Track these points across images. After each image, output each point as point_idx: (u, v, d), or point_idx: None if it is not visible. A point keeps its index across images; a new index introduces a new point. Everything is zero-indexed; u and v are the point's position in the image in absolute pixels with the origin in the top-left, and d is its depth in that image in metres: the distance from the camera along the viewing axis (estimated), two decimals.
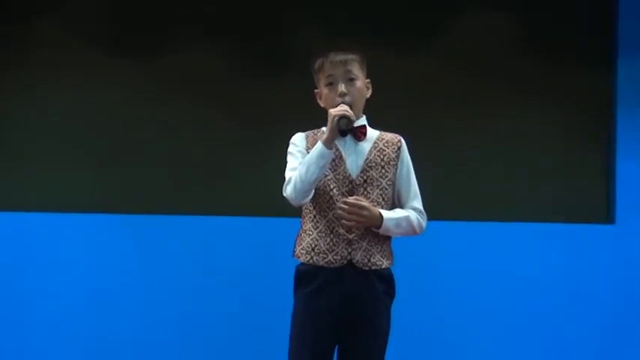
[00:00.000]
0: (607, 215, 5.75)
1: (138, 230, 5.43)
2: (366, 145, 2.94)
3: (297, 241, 2.96)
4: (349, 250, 2.86)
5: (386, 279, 2.92)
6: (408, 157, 3.01)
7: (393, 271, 2.96)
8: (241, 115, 5.50)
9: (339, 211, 2.80)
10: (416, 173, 3.08)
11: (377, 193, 2.91)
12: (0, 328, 5.32)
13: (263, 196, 4.92)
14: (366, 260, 2.87)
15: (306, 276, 2.88)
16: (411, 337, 4.83)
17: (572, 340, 5.61)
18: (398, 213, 2.93)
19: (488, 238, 5.63)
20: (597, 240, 5.64)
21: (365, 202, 2.81)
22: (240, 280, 5.37)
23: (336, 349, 2.92)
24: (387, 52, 5.56)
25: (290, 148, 2.97)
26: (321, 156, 2.77)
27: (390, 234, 2.92)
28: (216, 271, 5.40)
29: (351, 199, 2.79)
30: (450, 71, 5.76)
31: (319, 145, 2.79)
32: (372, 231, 2.86)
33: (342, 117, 2.80)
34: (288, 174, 2.89)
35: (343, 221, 2.80)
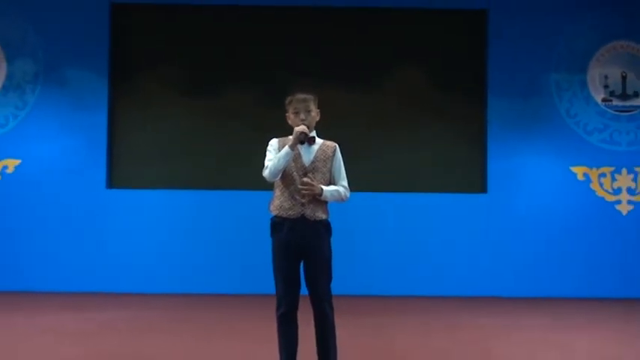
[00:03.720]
0: (482, 187, 7.98)
1: (205, 200, 8.08)
2: (315, 148, 4.08)
3: (271, 202, 4.10)
4: (302, 209, 3.99)
5: (325, 224, 4.05)
6: (340, 156, 4.14)
7: (330, 221, 4.10)
8: (258, 128, 7.88)
9: (299, 187, 3.96)
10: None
11: (320, 176, 4.04)
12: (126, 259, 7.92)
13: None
14: (312, 214, 3.99)
15: (278, 225, 4.02)
16: (343, 260, 6.01)
17: (454, 284, 7.72)
18: (332, 187, 4.06)
19: (404, 204, 7.85)
20: (474, 204, 7.87)
21: (314, 182, 3.97)
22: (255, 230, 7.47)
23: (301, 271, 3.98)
24: (347, 91, 7.94)
25: (268, 147, 4.11)
26: (287, 154, 3.95)
27: (327, 200, 4.05)
28: (245, 225, 7.81)
29: (305, 179, 3.96)
30: (385, 102, 8.13)
31: (287, 147, 3.96)
32: (316, 198, 4.01)
33: (302, 133, 3.93)
34: (266, 163, 4.03)
35: (302, 192, 3.97)
